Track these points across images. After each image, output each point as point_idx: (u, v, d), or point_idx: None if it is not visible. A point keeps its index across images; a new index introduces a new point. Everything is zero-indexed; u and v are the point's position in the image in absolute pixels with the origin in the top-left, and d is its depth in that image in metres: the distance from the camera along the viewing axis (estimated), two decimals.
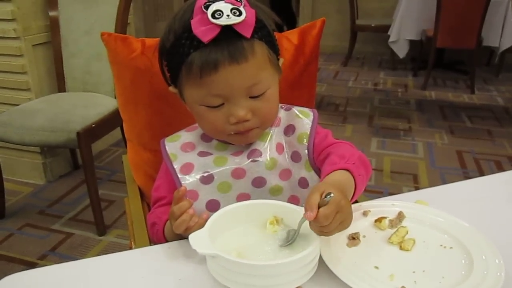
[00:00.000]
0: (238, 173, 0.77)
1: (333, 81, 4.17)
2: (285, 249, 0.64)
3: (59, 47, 2.15)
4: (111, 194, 2.17)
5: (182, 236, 0.70)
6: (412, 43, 4.02)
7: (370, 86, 4.01)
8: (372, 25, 4.43)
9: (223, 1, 0.68)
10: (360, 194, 0.72)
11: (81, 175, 2.30)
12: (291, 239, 0.64)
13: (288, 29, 1.10)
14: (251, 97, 0.73)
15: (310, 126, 0.81)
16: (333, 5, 5.07)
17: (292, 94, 1.02)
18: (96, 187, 1.85)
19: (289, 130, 0.81)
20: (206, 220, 0.65)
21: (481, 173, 2.41)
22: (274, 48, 0.76)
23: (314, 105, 1.09)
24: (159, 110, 0.99)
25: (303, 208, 0.67)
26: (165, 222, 0.76)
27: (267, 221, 0.68)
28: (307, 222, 0.62)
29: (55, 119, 1.83)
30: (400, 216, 0.73)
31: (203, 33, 0.67)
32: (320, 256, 0.62)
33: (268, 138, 0.80)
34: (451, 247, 0.67)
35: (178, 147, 0.81)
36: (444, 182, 2.31)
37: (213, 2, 0.68)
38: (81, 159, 1.83)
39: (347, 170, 0.69)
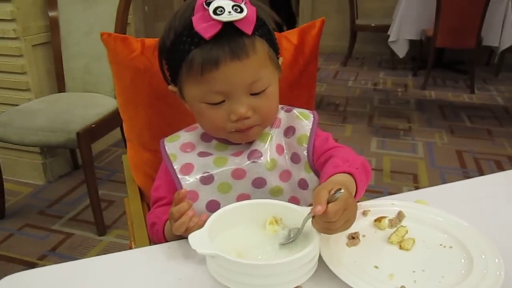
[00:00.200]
0: (238, 174, 0.77)
1: (333, 81, 4.17)
2: (284, 249, 0.64)
3: (59, 48, 2.15)
4: (111, 194, 2.17)
5: (182, 236, 0.70)
6: (411, 43, 4.02)
7: (370, 86, 4.01)
8: (372, 25, 4.43)
9: None
10: (358, 199, 0.72)
11: (81, 175, 2.29)
12: (293, 237, 0.64)
13: (288, 28, 1.10)
14: (251, 95, 0.73)
15: (310, 128, 0.81)
16: (332, 5, 5.07)
17: (291, 94, 1.02)
18: (96, 187, 1.85)
19: (289, 131, 0.81)
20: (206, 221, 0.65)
21: (481, 173, 2.41)
22: (274, 46, 0.77)
23: (314, 105, 1.09)
24: (159, 110, 0.99)
25: (302, 208, 0.67)
26: (165, 222, 0.76)
27: (266, 220, 0.68)
28: (309, 221, 0.62)
29: (55, 119, 1.83)
30: (400, 216, 0.74)
31: (205, 30, 0.67)
32: (320, 256, 0.62)
33: (268, 139, 0.80)
34: (450, 247, 0.67)
35: (177, 147, 0.81)
36: (444, 181, 2.31)
37: None
38: (81, 159, 1.83)
39: (350, 174, 0.69)
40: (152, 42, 0.96)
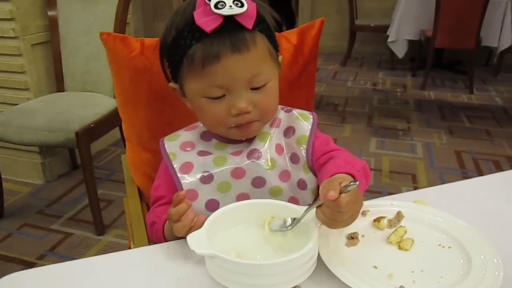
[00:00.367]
0: (237, 173, 0.77)
1: (332, 81, 4.17)
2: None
3: (58, 47, 2.15)
4: (110, 194, 2.17)
5: (181, 236, 0.70)
6: (411, 43, 4.02)
7: (369, 86, 4.02)
8: (371, 25, 4.43)
9: None
10: None
11: (80, 175, 2.30)
12: (290, 226, 0.65)
13: (287, 27, 1.11)
14: (252, 89, 0.73)
15: (309, 129, 0.81)
16: (332, 5, 5.07)
17: (291, 94, 1.02)
18: (95, 187, 1.85)
19: (289, 131, 0.82)
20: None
21: (480, 173, 2.42)
22: (274, 43, 0.77)
23: (313, 105, 1.09)
24: (158, 110, 0.99)
25: (302, 207, 0.67)
26: (165, 221, 0.76)
27: (265, 220, 0.68)
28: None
29: (54, 119, 1.83)
30: (399, 216, 0.74)
31: (206, 24, 0.68)
32: (319, 256, 0.62)
33: (268, 139, 0.80)
34: (449, 247, 0.67)
35: (177, 146, 0.81)
36: (443, 182, 2.32)
37: None
38: (80, 159, 1.83)
39: (352, 175, 0.69)
40: (151, 42, 0.96)
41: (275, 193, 0.78)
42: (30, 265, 1.69)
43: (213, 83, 0.72)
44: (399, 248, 0.67)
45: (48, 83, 2.24)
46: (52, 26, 2.14)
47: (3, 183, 1.99)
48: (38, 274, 0.65)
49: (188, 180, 0.77)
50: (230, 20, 0.68)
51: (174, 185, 0.78)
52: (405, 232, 0.70)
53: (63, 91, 2.18)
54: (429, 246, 0.67)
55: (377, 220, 0.73)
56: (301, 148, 0.79)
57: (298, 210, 0.67)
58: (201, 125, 0.85)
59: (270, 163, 0.78)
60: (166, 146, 0.82)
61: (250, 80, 0.72)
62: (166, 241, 0.75)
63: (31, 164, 2.28)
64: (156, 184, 0.85)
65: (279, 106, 0.84)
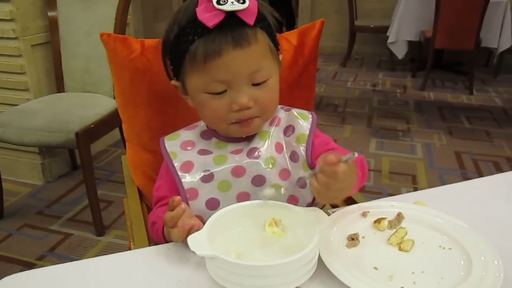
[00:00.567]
0: (237, 171, 0.77)
1: (332, 82, 4.17)
2: (283, 249, 0.64)
3: (58, 48, 2.15)
4: (109, 194, 2.17)
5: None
6: (410, 44, 4.03)
7: (369, 87, 4.02)
8: (371, 26, 4.43)
9: None
10: (348, 195, 0.73)
11: (79, 175, 2.30)
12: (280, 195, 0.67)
13: (287, 26, 1.11)
14: (253, 85, 0.74)
15: (309, 128, 0.82)
16: (332, 5, 5.07)
17: (291, 95, 1.02)
18: (95, 188, 1.85)
19: (288, 130, 0.82)
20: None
21: (480, 174, 2.42)
22: (274, 41, 0.78)
23: (313, 106, 1.10)
24: (158, 110, 0.99)
25: (302, 208, 0.68)
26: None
27: (265, 221, 0.68)
28: (308, 221, 0.62)
29: (54, 120, 1.83)
30: (399, 217, 0.74)
31: (208, 19, 0.69)
32: (319, 257, 0.62)
33: (268, 137, 0.80)
34: (450, 248, 0.67)
35: (178, 145, 0.82)
36: (443, 182, 2.32)
37: None
38: (80, 160, 1.83)
39: None
40: (151, 42, 0.96)
41: None
42: (29, 265, 1.69)
43: (215, 78, 0.72)
44: (400, 249, 0.67)
45: (48, 84, 2.24)
46: (52, 26, 2.14)
47: (3, 183, 1.99)
48: (38, 275, 0.65)
49: (188, 179, 0.78)
50: (232, 16, 0.69)
51: (175, 185, 0.78)
52: (406, 233, 0.70)
53: (63, 91, 2.18)
54: (430, 248, 0.67)
55: (378, 221, 0.73)
56: (301, 146, 0.80)
57: (297, 211, 0.67)
58: (201, 124, 0.85)
59: (270, 162, 0.78)
60: (166, 145, 0.82)
61: (251, 75, 0.73)
62: (166, 242, 0.75)
63: (31, 165, 2.27)
64: (158, 184, 0.85)
65: (279, 106, 0.84)
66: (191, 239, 0.60)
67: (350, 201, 0.95)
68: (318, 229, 0.63)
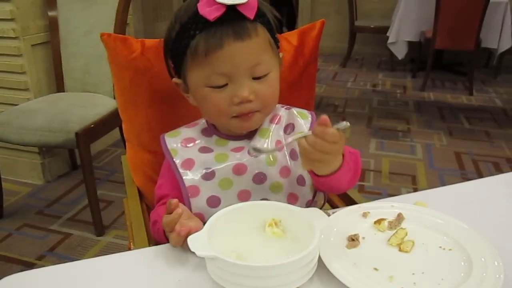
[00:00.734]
0: (239, 169, 0.78)
1: (332, 82, 4.17)
2: (283, 250, 0.64)
3: (58, 47, 2.15)
4: (109, 194, 2.17)
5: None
6: (411, 44, 4.03)
7: (369, 87, 4.02)
8: (371, 26, 4.43)
9: None
10: (339, 182, 0.74)
11: (79, 175, 2.29)
12: (271, 150, 0.71)
13: (288, 24, 1.11)
14: (254, 79, 0.75)
15: (308, 127, 0.82)
16: (332, 6, 5.07)
17: (291, 95, 1.02)
18: (95, 188, 1.85)
19: (289, 128, 0.83)
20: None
21: (480, 175, 2.42)
22: (274, 38, 0.79)
23: (313, 106, 1.10)
24: (159, 110, 0.99)
25: (302, 209, 0.67)
26: None
27: (265, 221, 0.68)
28: (309, 222, 0.62)
29: (54, 119, 1.83)
30: (400, 218, 0.74)
31: (209, 13, 0.70)
32: (320, 258, 0.62)
33: (268, 135, 0.81)
34: (450, 249, 0.67)
35: (178, 142, 0.82)
36: (443, 183, 2.32)
37: None
38: (80, 159, 1.83)
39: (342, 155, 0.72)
40: (152, 43, 0.96)
41: (275, 189, 0.78)
42: (29, 265, 1.69)
43: (216, 71, 0.73)
44: (400, 250, 0.67)
45: (48, 84, 2.24)
46: (52, 26, 2.14)
47: (3, 183, 1.99)
48: (38, 275, 0.65)
49: (189, 176, 0.78)
50: (232, 11, 0.71)
51: (177, 182, 0.79)
52: (406, 234, 0.70)
53: (63, 91, 2.18)
54: (430, 248, 0.67)
55: (378, 222, 0.73)
56: None
57: (298, 212, 0.67)
58: (202, 122, 0.86)
59: (271, 159, 0.78)
60: (167, 142, 0.83)
61: (252, 68, 0.74)
62: (168, 241, 0.75)
63: (30, 165, 2.27)
64: (160, 183, 0.85)
65: (279, 104, 0.84)
66: (191, 240, 0.60)
67: (350, 201, 0.95)
68: (319, 230, 0.63)
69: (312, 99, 1.10)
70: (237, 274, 0.57)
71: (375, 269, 0.63)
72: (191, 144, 0.81)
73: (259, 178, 0.78)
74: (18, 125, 1.83)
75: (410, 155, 2.65)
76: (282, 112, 0.84)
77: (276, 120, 0.83)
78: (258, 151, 0.75)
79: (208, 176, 0.78)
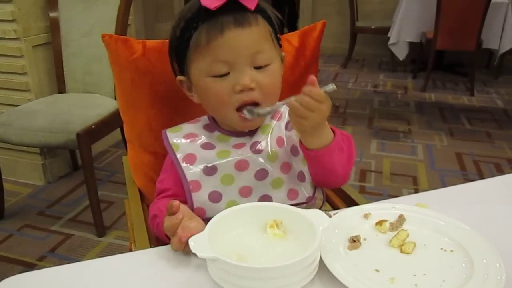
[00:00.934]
0: (241, 165, 0.78)
1: (333, 83, 4.16)
2: (284, 251, 0.64)
3: (59, 48, 2.15)
4: (110, 195, 2.17)
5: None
6: (411, 45, 4.02)
7: (370, 88, 4.02)
8: (372, 27, 4.43)
9: None
10: (331, 160, 0.75)
11: (80, 176, 2.30)
12: (262, 113, 0.74)
13: (289, 23, 1.12)
14: (255, 68, 0.76)
15: None
16: (333, 6, 5.07)
17: None
18: (96, 188, 1.85)
19: (289, 124, 0.83)
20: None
21: (481, 176, 2.42)
22: (276, 35, 0.80)
23: None
24: (160, 112, 0.99)
25: (303, 210, 0.67)
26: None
27: (267, 223, 0.68)
28: (310, 224, 0.62)
29: (55, 120, 1.83)
30: (401, 219, 0.73)
31: (211, 2, 0.72)
32: (321, 259, 0.62)
33: (270, 131, 0.82)
34: (451, 250, 0.67)
35: (180, 137, 0.83)
36: (444, 184, 2.31)
37: None
38: (81, 160, 1.83)
39: (333, 131, 0.75)
40: (153, 44, 0.96)
41: (276, 185, 0.79)
42: (30, 266, 1.69)
43: (217, 58, 0.74)
44: (401, 251, 0.67)
45: (49, 84, 2.25)
46: (53, 27, 2.14)
47: (4, 184, 1.99)
48: (39, 276, 0.65)
49: (192, 171, 0.79)
50: (233, 2, 0.72)
51: (179, 177, 0.79)
52: (407, 236, 0.70)
53: (64, 92, 2.18)
54: (431, 250, 0.67)
55: (379, 223, 0.73)
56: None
57: (299, 213, 0.67)
58: (204, 118, 0.86)
59: (272, 155, 0.79)
60: (169, 137, 0.83)
61: (253, 56, 0.75)
62: (166, 236, 0.75)
63: (31, 165, 2.28)
64: (162, 177, 0.86)
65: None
66: (192, 241, 0.60)
67: (351, 202, 0.95)
68: (320, 231, 0.62)
69: None
70: (238, 276, 0.57)
71: (377, 270, 0.63)
72: (193, 140, 0.82)
73: (261, 175, 0.79)
74: (19, 126, 1.83)
75: (411, 156, 2.65)
76: (284, 108, 0.85)
77: (278, 117, 0.84)
78: (252, 112, 0.76)
79: (210, 171, 0.79)
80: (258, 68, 0.76)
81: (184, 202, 0.79)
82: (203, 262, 0.64)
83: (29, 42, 2.11)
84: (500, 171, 2.46)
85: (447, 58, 4.41)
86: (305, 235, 0.64)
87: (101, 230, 1.87)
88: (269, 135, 0.81)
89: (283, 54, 0.83)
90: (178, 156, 0.80)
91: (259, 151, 0.79)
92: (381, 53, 4.82)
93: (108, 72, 2.07)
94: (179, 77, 0.84)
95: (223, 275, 0.59)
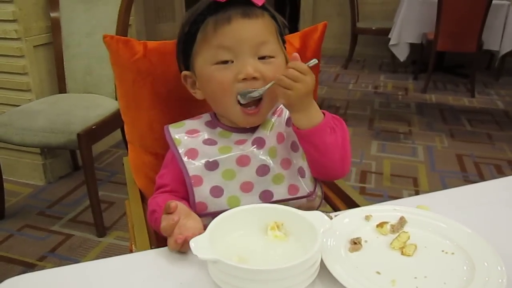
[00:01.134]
0: (242, 160, 0.79)
1: (334, 84, 4.17)
2: (285, 253, 0.64)
3: (60, 48, 2.15)
4: (111, 195, 2.17)
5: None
6: (412, 46, 4.02)
7: (371, 89, 4.02)
8: (373, 28, 4.43)
9: None
10: (323, 142, 0.76)
11: (81, 176, 2.29)
12: (257, 95, 0.76)
13: (290, 23, 1.12)
14: (259, 59, 0.77)
15: None
16: (334, 8, 5.07)
17: None
18: (96, 189, 1.85)
19: (290, 121, 0.84)
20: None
21: (481, 177, 2.41)
22: (281, 36, 0.82)
23: None
24: (161, 113, 0.99)
25: (304, 212, 0.67)
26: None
27: (267, 225, 0.68)
28: (311, 225, 0.62)
29: (56, 120, 1.83)
30: (402, 221, 0.73)
31: None
32: (322, 261, 0.62)
33: (270, 127, 0.83)
34: (452, 253, 0.67)
35: (182, 132, 0.83)
36: (444, 185, 2.31)
37: None
38: (81, 160, 1.83)
39: (323, 113, 0.78)
40: (154, 44, 0.96)
41: (277, 181, 0.80)
42: (30, 266, 1.69)
43: (222, 44, 0.76)
44: (402, 253, 0.67)
45: (50, 85, 2.25)
46: (54, 27, 2.15)
47: (4, 184, 1.99)
48: (39, 277, 0.65)
49: (193, 166, 0.79)
50: None
51: (180, 173, 0.80)
52: (408, 238, 0.69)
53: (65, 92, 2.18)
54: (432, 252, 0.67)
55: (380, 225, 0.72)
56: None
57: (300, 215, 0.67)
58: (206, 115, 0.87)
59: (273, 151, 0.80)
60: (171, 132, 0.84)
61: (257, 47, 0.77)
62: None
63: (32, 165, 2.28)
64: (162, 172, 0.86)
65: None
66: (193, 242, 0.60)
67: (351, 203, 0.95)
68: (321, 233, 0.62)
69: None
70: (239, 277, 0.57)
71: (377, 272, 0.63)
72: (195, 135, 0.83)
73: (262, 171, 0.80)
74: (20, 126, 1.83)
75: (411, 157, 2.65)
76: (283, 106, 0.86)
77: (278, 113, 0.85)
78: (244, 97, 0.78)
79: (212, 166, 0.79)
80: (262, 58, 0.78)
81: (183, 198, 0.80)
82: (203, 264, 0.64)
83: (30, 42, 2.11)
84: (500, 173, 2.46)
85: (448, 59, 4.41)
86: (306, 237, 0.64)
87: (101, 230, 1.87)
88: (270, 131, 0.82)
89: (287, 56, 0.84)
90: (180, 151, 0.81)
91: (260, 147, 0.80)
92: (382, 54, 4.82)
93: (109, 73, 2.07)
94: (184, 72, 0.85)
95: (224, 277, 0.59)
